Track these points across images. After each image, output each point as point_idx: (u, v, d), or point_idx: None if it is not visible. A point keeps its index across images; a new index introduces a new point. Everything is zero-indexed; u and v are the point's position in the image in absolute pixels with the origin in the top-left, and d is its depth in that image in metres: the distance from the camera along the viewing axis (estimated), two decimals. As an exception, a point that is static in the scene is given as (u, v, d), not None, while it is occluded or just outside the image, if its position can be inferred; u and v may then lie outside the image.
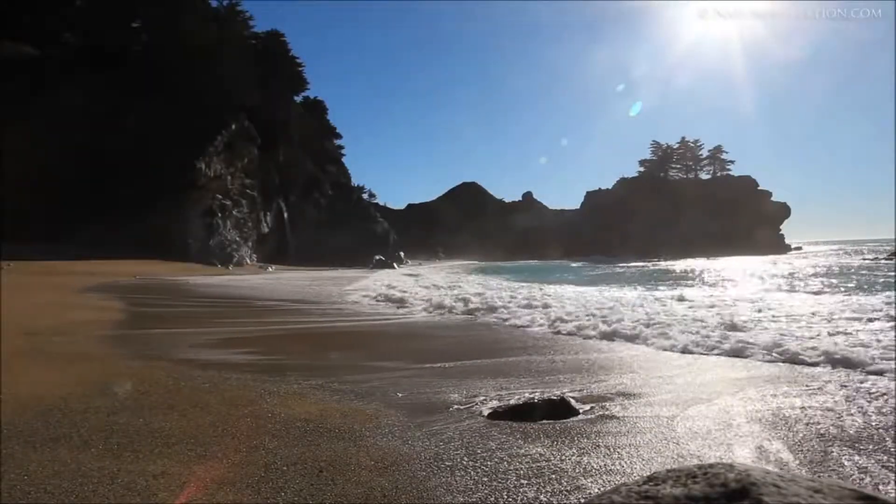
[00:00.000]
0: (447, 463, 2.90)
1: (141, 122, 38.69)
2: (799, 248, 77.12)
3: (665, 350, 6.26)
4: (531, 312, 9.73)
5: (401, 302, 12.85)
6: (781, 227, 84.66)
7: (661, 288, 17.29)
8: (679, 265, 39.56)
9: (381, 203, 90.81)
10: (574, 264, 48.30)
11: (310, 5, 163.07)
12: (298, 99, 63.89)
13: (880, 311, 8.75)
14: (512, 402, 4.06)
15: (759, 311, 9.45)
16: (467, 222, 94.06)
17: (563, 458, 2.98)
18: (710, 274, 27.24)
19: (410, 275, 28.52)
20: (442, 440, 3.26)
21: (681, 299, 11.89)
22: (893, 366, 4.77)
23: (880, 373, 4.71)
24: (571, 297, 12.80)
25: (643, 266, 40.54)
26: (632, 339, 6.90)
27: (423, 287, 18.46)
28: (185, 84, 41.67)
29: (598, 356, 6.05)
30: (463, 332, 8.40)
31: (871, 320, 7.90)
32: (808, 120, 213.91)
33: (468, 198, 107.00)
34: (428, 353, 6.49)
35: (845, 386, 4.40)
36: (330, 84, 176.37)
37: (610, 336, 7.12)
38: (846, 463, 2.86)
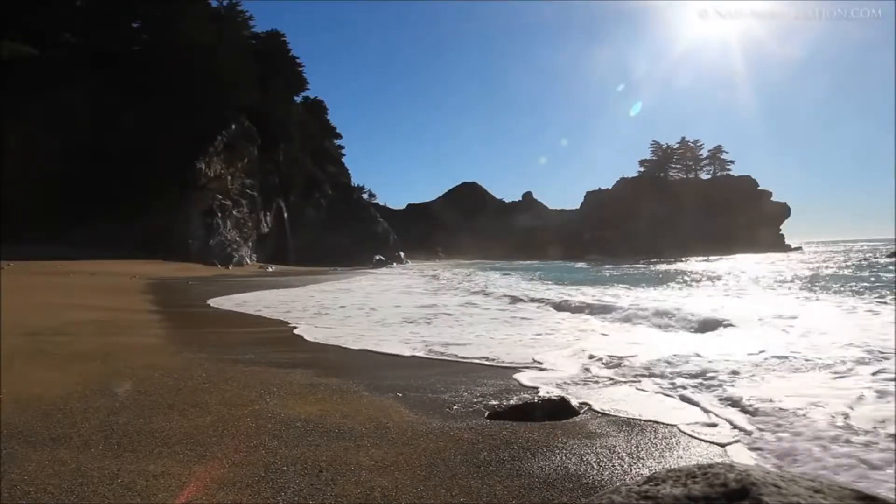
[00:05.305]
0: (447, 463, 2.90)
1: (141, 121, 38.70)
2: (799, 249, 76.99)
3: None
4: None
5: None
6: (781, 226, 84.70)
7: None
8: (676, 266, 39.53)
9: (381, 203, 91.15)
10: (579, 265, 48.22)
11: (310, 5, 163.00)
12: (298, 99, 63.94)
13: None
14: (512, 401, 4.06)
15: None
16: (467, 222, 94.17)
17: (564, 458, 2.98)
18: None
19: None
20: (442, 440, 3.26)
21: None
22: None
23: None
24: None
25: (638, 266, 40.50)
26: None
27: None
28: (185, 84, 41.68)
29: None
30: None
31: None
32: (808, 120, 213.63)
33: (468, 198, 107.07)
34: (426, 351, 6.48)
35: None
36: (330, 84, 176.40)
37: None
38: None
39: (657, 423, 3.61)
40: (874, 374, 4.53)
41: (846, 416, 3.47)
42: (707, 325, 7.79)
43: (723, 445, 3.20)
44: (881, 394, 3.97)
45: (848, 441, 3.05)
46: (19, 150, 33.88)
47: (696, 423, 3.59)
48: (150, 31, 45.30)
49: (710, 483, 1.12)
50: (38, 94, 36.05)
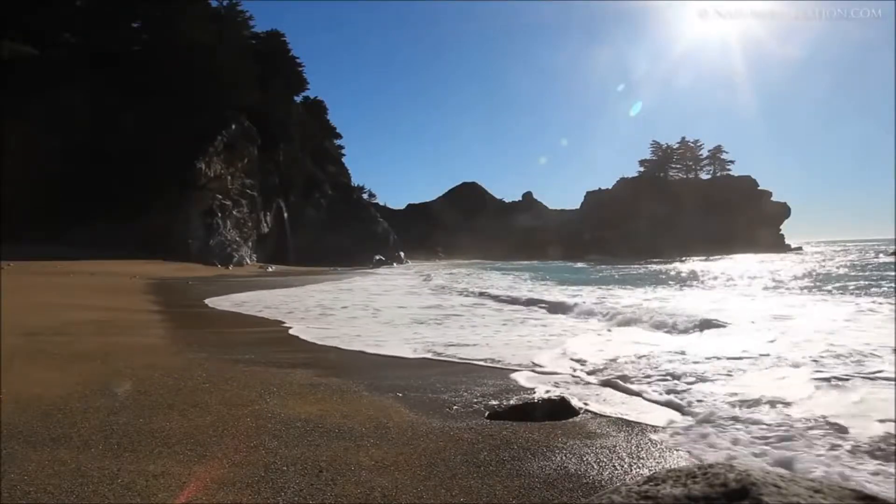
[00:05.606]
0: (447, 463, 2.90)
1: (141, 121, 38.70)
2: (799, 249, 76.92)
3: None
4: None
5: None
6: (781, 226, 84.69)
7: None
8: (678, 266, 39.54)
9: (381, 203, 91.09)
10: (579, 265, 48.23)
11: (310, 5, 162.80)
12: (298, 99, 63.92)
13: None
14: (512, 401, 4.06)
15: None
16: (467, 222, 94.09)
17: (564, 458, 2.98)
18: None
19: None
20: (442, 440, 3.26)
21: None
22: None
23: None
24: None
25: (636, 267, 40.49)
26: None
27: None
28: (185, 84, 41.68)
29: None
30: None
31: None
32: (808, 120, 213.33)
33: (468, 198, 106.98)
34: (425, 352, 6.48)
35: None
36: (330, 84, 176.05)
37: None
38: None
39: (655, 423, 3.62)
40: (848, 372, 4.65)
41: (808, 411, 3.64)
42: (705, 326, 7.82)
43: (697, 439, 3.27)
44: (841, 389, 4.18)
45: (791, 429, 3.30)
46: (19, 150, 33.89)
47: (683, 423, 3.61)
48: (150, 31, 45.30)
49: (710, 483, 1.12)
50: (38, 94, 36.04)
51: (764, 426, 3.34)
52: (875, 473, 2.65)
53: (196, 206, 41.09)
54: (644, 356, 5.74)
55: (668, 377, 4.80)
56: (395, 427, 3.49)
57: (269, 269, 40.37)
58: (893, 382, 4.27)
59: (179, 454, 2.92)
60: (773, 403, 3.79)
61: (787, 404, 3.75)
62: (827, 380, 4.41)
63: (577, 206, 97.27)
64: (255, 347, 6.74)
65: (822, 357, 5.23)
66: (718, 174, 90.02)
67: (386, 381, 4.85)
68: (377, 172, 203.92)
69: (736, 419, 3.50)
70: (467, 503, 2.47)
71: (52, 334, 6.89)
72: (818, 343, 5.91)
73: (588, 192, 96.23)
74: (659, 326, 8.13)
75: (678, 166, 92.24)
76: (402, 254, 64.02)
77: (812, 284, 17.49)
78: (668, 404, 4.04)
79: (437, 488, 2.59)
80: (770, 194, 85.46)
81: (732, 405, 3.81)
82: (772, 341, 6.35)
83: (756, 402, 3.84)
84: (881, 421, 3.34)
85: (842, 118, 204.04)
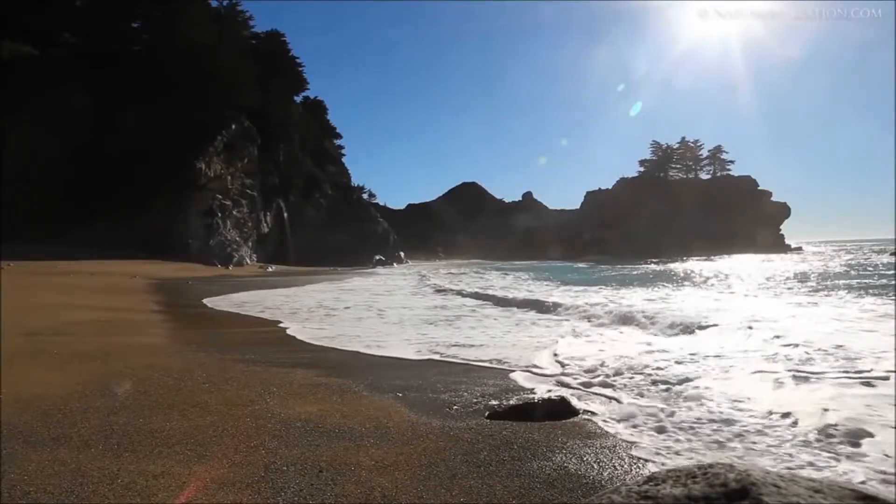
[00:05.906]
0: (447, 463, 2.90)
1: (141, 121, 38.70)
2: (799, 249, 76.88)
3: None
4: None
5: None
6: (781, 226, 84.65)
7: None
8: (679, 266, 39.50)
9: (381, 203, 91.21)
10: (579, 265, 48.21)
11: (310, 5, 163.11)
12: (298, 99, 63.93)
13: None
14: (512, 402, 4.06)
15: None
16: (467, 222, 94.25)
17: (564, 458, 2.98)
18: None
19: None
20: (442, 440, 3.26)
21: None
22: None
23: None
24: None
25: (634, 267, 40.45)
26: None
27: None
28: (185, 84, 41.67)
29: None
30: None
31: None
32: (808, 120, 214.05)
33: (468, 198, 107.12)
34: (428, 353, 6.48)
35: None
36: (330, 84, 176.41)
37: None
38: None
39: (654, 424, 3.62)
40: (836, 372, 4.75)
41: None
42: (703, 327, 7.81)
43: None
44: (814, 387, 4.34)
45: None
46: (19, 150, 33.89)
47: (652, 422, 3.65)
48: (150, 31, 45.31)
49: (710, 483, 1.12)
50: (38, 94, 36.04)
51: (727, 421, 3.53)
52: (811, 464, 2.86)
53: (196, 206, 41.09)
54: (640, 356, 5.75)
55: (661, 378, 4.82)
56: (395, 427, 3.49)
57: (269, 270, 40.37)
58: (892, 381, 4.28)
59: (179, 454, 2.92)
60: (744, 400, 3.95)
61: (759, 402, 3.92)
62: (806, 378, 4.53)
63: (577, 206, 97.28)
64: (255, 347, 6.74)
65: (814, 357, 5.26)
66: (718, 174, 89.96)
67: (386, 381, 4.85)
68: (377, 172, 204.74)
69: (703, 413, 3.70)
70: (467, 503, 2.47)
71: (52, 334, 6.89)
72: (814, 343, 5.90)
73: (588, 192, 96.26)
74: (658, 327, 8.13)
75: (678, 166, 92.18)
76: (402, 254, 64.05)
77: (812, 284, 17.47)
78: (649, 406, 4.04)
79: (437, 488, 2.59)
80: (770, 194, 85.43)
81: (701, 400, 3.99)
82: (768, 340, 6.34)
83: (730, 400, 4.00)
84: (824, 410, 3.60)
85: (842, 118, 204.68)
